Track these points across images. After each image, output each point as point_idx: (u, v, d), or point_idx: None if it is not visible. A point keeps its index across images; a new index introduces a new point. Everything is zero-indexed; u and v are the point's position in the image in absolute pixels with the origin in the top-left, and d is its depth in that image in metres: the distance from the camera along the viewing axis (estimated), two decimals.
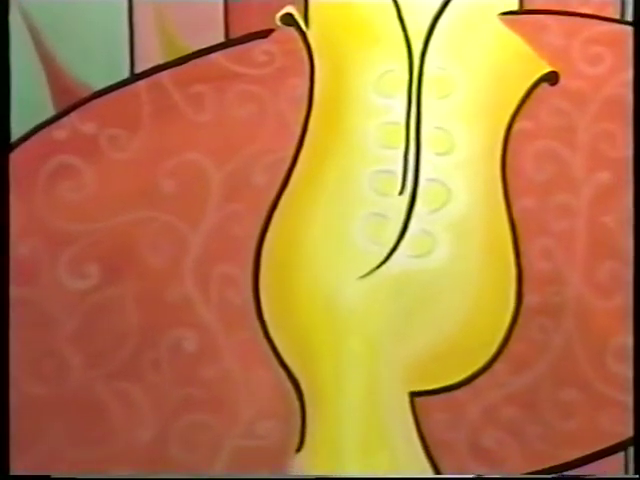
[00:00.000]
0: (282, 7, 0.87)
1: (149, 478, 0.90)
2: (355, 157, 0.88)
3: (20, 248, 0.86)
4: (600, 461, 0.86)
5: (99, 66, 0.88)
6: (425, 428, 0.87)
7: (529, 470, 0.87)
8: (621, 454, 0.87)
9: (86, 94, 0.87)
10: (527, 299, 0.87)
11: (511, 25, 0.88)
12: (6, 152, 0.91)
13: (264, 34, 0.87)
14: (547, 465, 0.87)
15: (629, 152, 0.89)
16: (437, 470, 0.87)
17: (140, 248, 0.87)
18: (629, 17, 0.88)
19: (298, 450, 0.86)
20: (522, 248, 0.87)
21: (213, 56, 0.87)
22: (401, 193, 0.87)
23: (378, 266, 0.87)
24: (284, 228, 0.88)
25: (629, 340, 0.88)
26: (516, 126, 0.87)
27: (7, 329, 0.90)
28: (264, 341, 0.87)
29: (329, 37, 0.88)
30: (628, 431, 0.87)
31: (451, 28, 0.88)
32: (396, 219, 0.87)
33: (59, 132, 0.87)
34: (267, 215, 0.87)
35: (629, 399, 0.87)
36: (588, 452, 0.86)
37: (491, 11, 0.88)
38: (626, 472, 0.88)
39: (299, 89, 0.87)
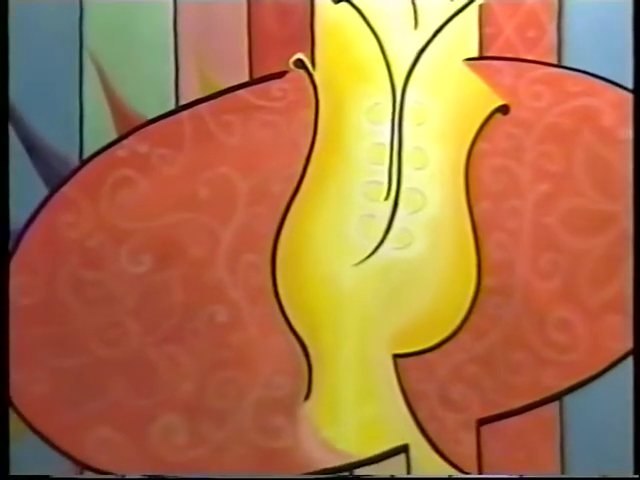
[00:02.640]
0: (294, 53, 1.00)
1: (151, 478, 0.98)
2: (350, 171, 1.00)
3: (90, 241, 0.98)
4: (540, 408, 0.98)
5: (151, 100, 0.99)
6: (405, 382, 0.99)
7: (485, 414, 0.98)
8: (556, 403, 0.99)
9: (141, 122, 0.99)
10: (484, 282, 0.99)
11: (472, 68, 1.00)
12: (5, 164, 0.98)
13: (280, 75, 0.99)
14: (499, 411, 0.98)
15: (564, 166, 1.00)
16: (413, 414, 0.98)
17: (182, 242, 0.99)
18: (565, 62, 1.00)
19: (306, 398, 0.98)
20: (481, 241, 0.99)
21: (240, 92, 0.99)
22: (386, 199, 1.00)
23: (368, 256, 0.99)
24: (295, 226, 1.00)
25: (564, 313, 0.99)
26: (476, 147, 0.99)
27: (7, 333, 0.97)
28: (279, 314, 0.99)
29: (331, 77, 1.00)
30: (562, 384, 0.98)
31: (426, 70, 1.00)
32: (382, 219, 1.00)
33: (120, 152, 0.99)
34: (282, 216, 0.99)
35: (564, 359, 0.98)
36: (530, 401, 0.98)
37: (457, 58, 1.00)
38: (561, 418, 0.98)
39: (307, 118, 0.99)
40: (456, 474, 0.99)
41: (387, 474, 0.98)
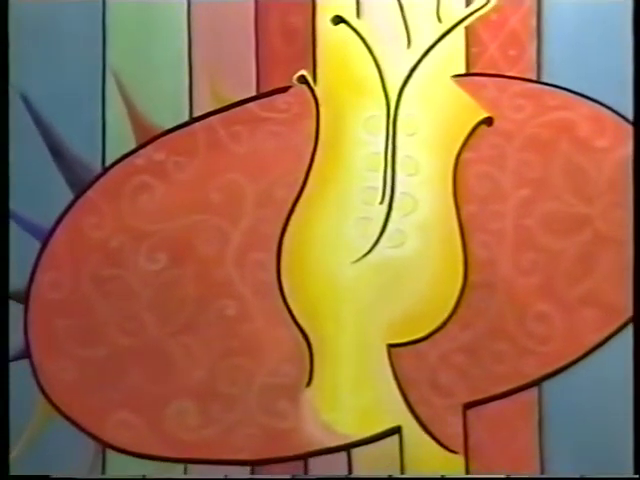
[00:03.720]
0: (297, 70, 1.01)
1: (154, 479, 1.00)
2: (348, 177, 1.02)
3: (111, 241, 1.00)
4: (520, 393, 1.00)
5: (167, 112, 1.01)
6: (398, 370, 1.00)
7: (471, 399, 1.00)
8: (535, 388, 1.00)
9: (158, 132, 1.01)
10: (470, 278, 1.01)
11: (459, 84, 1.01)
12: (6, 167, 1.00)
13: (284, 89, 1.01)
14: (483, 396, 1.00)
15: (543, 173, 1.01)
16: (406, 398, 1.00)
17: (195, 241, 1.00)
18: (544, 79, 1.01)
19: (308, 385, 1.00)
20: (467, 241, 1.01)
21: (248, 105, 1.01)
22: (381, 203, 1.01)
23: (365, 254, 1.01)
24: (298, 227, 1.02)
25: (543, 307, 1.00)
26: (463, 155, 1.01)
27: (7, 335, 0.99)
28: (283, 307, 1.01)
29: (331, 92, 1.02)
30: (541, 372, 1.00)
31: (417, 86, 1.01)
32: (378, 221, 1.01)
33: (139, 159, 1.01)
34: (286, 218, 1.01)
35: (543, 348, 1.00)
36: (512, 387, 1.00)
37: (445, 74, 1.01)
38: (540, 402, 1.00)
39: (309, 129, 1.01)
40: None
41: (381, 454, 1.00)
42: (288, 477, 1.00)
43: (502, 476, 1.00)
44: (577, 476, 1.00)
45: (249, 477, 1.00)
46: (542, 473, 1.00)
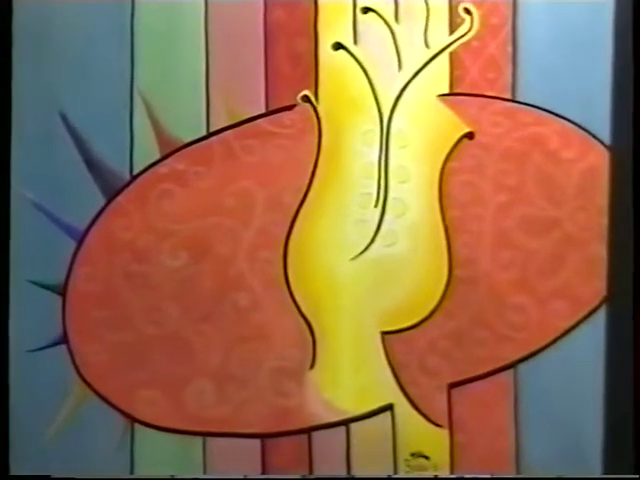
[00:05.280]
0: (302, 90, 1.04)
1: (155, 479, 1.02)
2: (347, 184, 1.05)
3: (138, 241, 1.03)
4: (499, 374, 1.05)
5: (187, 127, 1.04)
6: (390, 354, 1.05)
7: (455, 380, 1.03)
8: (512, 370, 1.05)
9: (179, 145, 1.04)
10: (454, 273, 1.05)
11: (444, 102, 1.05)
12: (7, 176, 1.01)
13: (290, 107, 1.04)
14: (466, 377, 1.04)
15: (518, 181, 1.04)
16: (397, 379, 1.04)
17: (212, 241, 1.04)
18: (518, 98, 1.05)
19: (311, 367, 1.04)
20: (451, 241, 1.05)
21: (258, 121, 1.04)
22: (376, 206, 1.05)
23: (361, 252, 1.05)
24: (302, 229, 1.05)
25: (519, 299, 1.05)
26: (447, 165, 1.05)
27: (7, 335, 1.01)
28: (289, 299, 1.04)
29: (331, 109, 1.04)
30: (516, 356, 1.05)
31: (407, 104, 1.05)
32: (373, 223, 1.05)
33: (162, 169, 1.04)
34: (292, 220, 1.04)
35: (519, 335, 1.04)
36: (491, 369, 1.04)
37: (432, 94, 1.05)
38: (515, 382, 1.04)
39: (312, 142, 1.04)
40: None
41: (376, 428, 1.05)
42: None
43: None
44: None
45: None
46: (517, 445, 1.06)
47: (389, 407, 1.05)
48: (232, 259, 1.04)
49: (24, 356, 1.04)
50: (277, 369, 1.05)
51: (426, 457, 1.06)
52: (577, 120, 1.06)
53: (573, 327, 1.07)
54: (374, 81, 1.05)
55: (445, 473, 1.06)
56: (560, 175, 1.06)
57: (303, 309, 1.05)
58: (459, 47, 1.06)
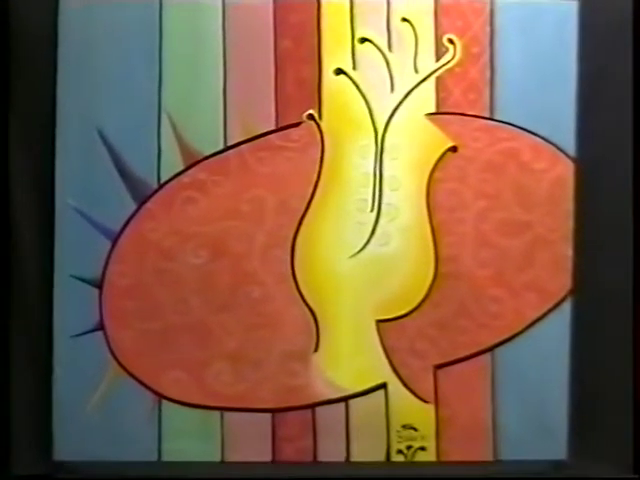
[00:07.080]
0: (307, 109, 1.11)
1: (156, 478, 1.08)
2: (346, 192, 1.12)
3: (165, 241, 1.11)
4: (478, 357, 1.12)
5: (207, 141, 1.11)
6: (384, 340, 1.12)
7: (440, 362, 1.10)
8: (489, 354, 1.12)
9: (200, 157, 1.11)
10: (440, 269, 1.12)
11: (431, 120, 1.12)
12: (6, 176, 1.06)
13: (296, 124, 1.11)
14: (450, 359, 1.11)
15: (496, 189, 1.10)
16: (390, 361, 1.10)
17: (229, 241, 1.11)
18: (496, 116, 1.10)
19: (315, 351, 1.12)
20: (437, 241, 1.12)
21: (269, 136, 1.11)
22: (371, 211, 1.12)
23: (359, 251, 1.12)
24: (308, 231, 1.11)
25: (496, 291, 1.11)
26: (434, 175, 1.12)
27: (10, 335, 1.06)
28: (296, 292, 1.12)
29: (333, 126, 1.11)
30: (494, 341, 1.11)
31: (399, 121, 1.11)
32: (369, 225, 1.12)
33: (186, 178, 1.11)
34: (298, 223, 1.11)
35: (496, 323, 1.11)
36: (472, 352, 1.12)
37: (420, 113, 1.12)
38: (492, 364, 1.11)
39: (316, 155, 1.11)
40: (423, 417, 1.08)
41: (371, 404, 1.11)
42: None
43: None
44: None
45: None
46: (494, 419, 1.14)
47: (383, 386, 1.13)
48: (247, 257, 1.11)
49: (67, 341, 1.13)
50: (285, 352, 1.12)
51: (415, 429, 1.15)
52: (546, 135, 1.13)
53: (543, 316, 1.14)
54: (370, 102, 1.12)
55: (431, 443, 1.15)
56: (532, 184, 1.12)
57: (308, 300, 1.12)
58: (444, 72, 1.12)
